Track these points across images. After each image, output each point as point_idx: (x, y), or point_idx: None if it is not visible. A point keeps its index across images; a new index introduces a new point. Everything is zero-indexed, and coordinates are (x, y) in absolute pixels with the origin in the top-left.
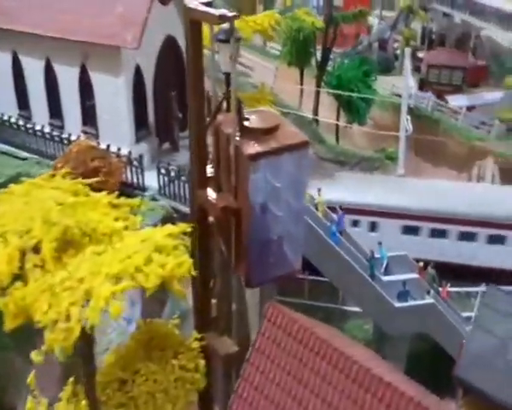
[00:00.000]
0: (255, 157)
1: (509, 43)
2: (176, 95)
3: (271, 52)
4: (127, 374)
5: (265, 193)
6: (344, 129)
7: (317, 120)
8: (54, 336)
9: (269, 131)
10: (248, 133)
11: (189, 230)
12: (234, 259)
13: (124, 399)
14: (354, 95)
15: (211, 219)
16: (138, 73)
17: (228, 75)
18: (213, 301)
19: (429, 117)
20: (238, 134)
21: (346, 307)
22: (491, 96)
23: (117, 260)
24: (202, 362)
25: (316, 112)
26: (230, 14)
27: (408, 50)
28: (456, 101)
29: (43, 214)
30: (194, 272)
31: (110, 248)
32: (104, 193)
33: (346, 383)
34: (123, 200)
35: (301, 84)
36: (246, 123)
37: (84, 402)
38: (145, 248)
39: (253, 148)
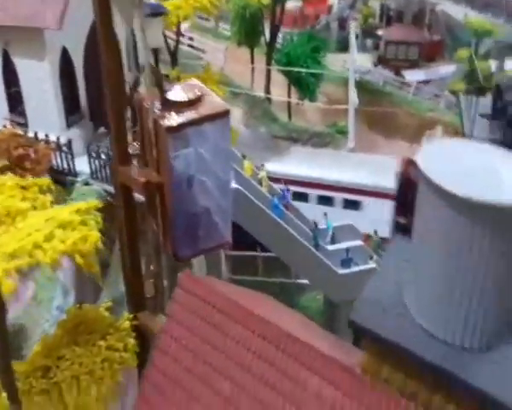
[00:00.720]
0: (173, 130)
1: (462, 16)
2: None
3: (223, 33)
4: (51, 360)
5: (189, 165)
6: (297, 106)
7: (269, 99)
8: None
9: (191, 103)
10: (169, 106)
11: (100, 206)
12: (162, 234)
13: (47, 385)
14: (303, 70)
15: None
16: (65, 56)
17: (155, 51)
18: (150, 280)
19: (381, 91)
20: (159, 107)
21: (300, 281)
22: (445, 69)
23: (16, 240)
24: (132, 341)
25: (267, 90)
26: None
27: (354, 24)
28: (413, 76)
29: None
30: (100, 245)
31: (12, 229)
32: (10, 175)
33: (262, 345)
34: (30, 180)
35: (252, 63)
36: (167, 95)
37: (3, 395)
38: (48, 226)
39: (171, 120)
